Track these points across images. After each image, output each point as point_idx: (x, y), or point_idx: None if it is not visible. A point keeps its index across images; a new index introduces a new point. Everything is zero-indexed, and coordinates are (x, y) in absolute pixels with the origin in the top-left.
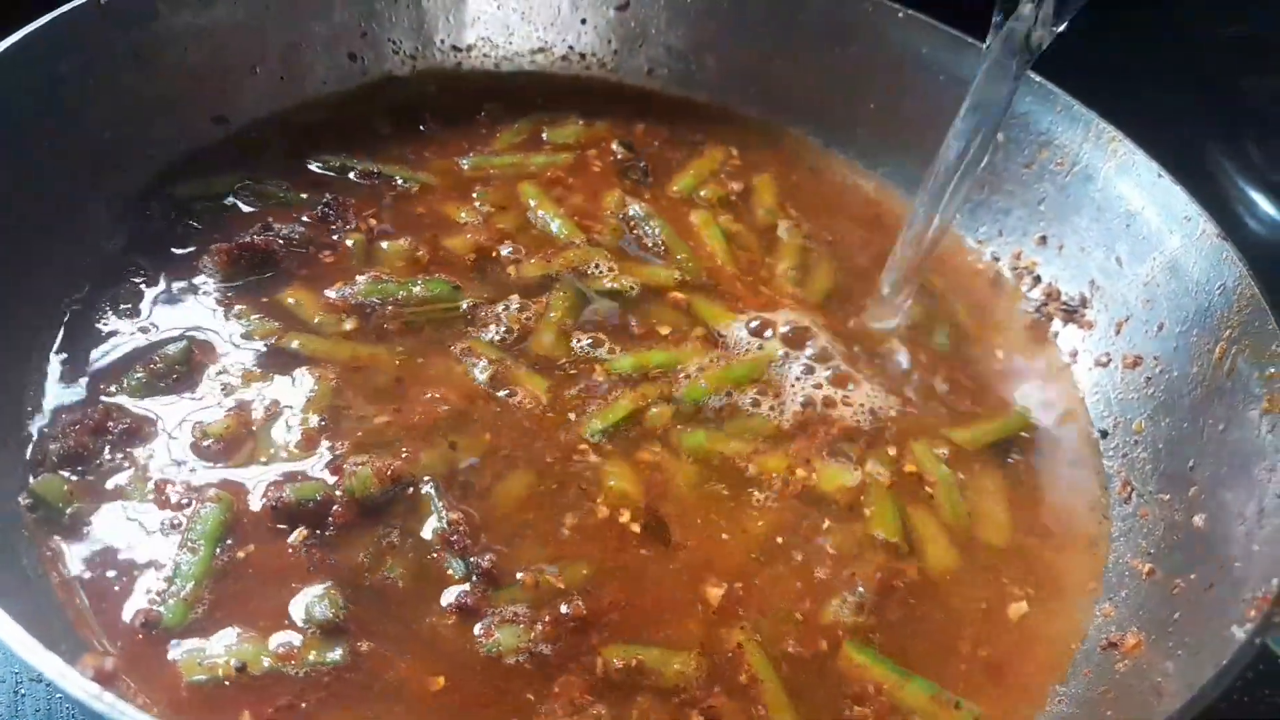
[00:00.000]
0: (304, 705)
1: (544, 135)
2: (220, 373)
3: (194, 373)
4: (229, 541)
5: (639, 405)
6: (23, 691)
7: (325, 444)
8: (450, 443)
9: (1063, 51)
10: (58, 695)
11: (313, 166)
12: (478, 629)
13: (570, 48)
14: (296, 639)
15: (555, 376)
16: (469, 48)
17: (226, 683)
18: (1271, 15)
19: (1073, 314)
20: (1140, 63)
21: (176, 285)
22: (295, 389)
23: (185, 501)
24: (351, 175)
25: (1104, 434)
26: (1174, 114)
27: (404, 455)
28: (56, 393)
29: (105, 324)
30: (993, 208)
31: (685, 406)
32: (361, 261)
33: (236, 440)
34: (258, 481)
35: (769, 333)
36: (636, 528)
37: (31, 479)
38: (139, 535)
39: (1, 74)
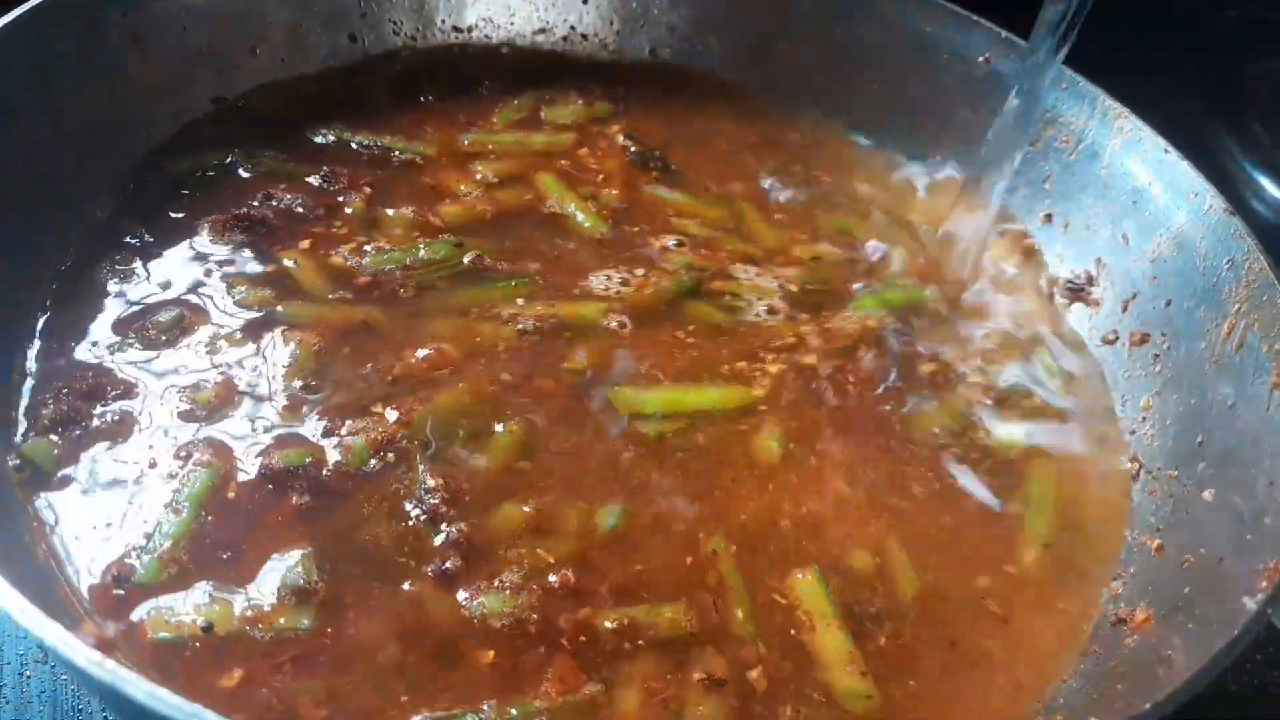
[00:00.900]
0: (269, 668)
1: (542, 115)
2: (212, 337)
3: (185, 337)
4: (214, 504)
5: None
6: (28, 674)
7: (315, 409)
8: (441, 407)
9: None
10: (62, 677)
11: (312, 139)
12: (461, 595)
13: (572, 28)
14: (267, 602)
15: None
16: (470, 28)
17: (196, 643)
18: None
19: (1079, 292)
20: (1145, 45)
21: (169, 251)
22: (286, 354)
23: (173, 466)
24: (353, 146)
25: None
26: (1179, 96)
27: (395, 420)
28: (48, 356)
29: (97, 289)
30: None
31: None
32: (360, 229)
33: (226, 405)
34: (247, 446)
35: None
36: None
37: (21, 441)
38: (126, 498)
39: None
